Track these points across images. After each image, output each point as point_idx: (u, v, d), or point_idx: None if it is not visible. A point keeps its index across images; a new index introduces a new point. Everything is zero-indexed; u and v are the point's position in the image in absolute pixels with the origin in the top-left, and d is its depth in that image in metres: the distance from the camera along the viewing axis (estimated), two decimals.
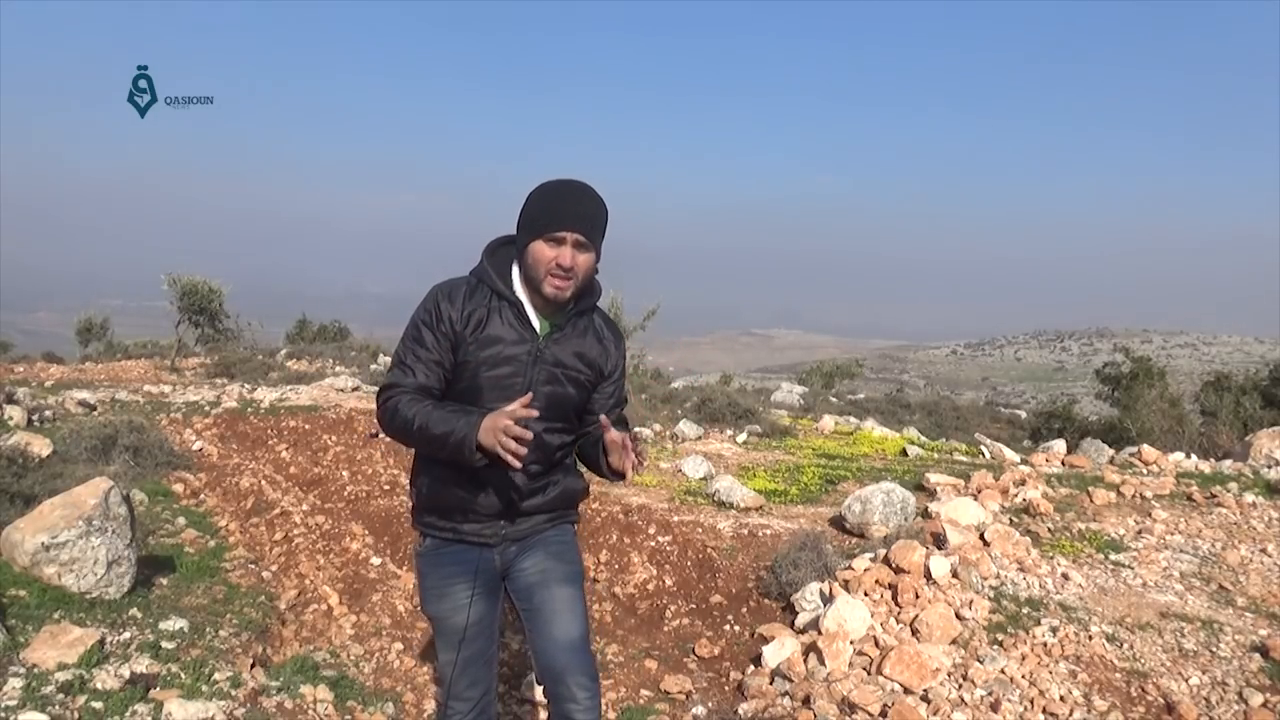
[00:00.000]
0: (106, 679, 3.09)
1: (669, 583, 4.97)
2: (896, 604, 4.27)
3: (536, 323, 2.31)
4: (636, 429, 9.37)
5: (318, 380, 13.04)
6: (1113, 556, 5.04)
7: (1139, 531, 5.48)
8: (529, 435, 2.09)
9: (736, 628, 4.55)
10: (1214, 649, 3.93)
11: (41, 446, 6.71)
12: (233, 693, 3.22)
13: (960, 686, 3.66)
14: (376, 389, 2.39)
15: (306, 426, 8.84)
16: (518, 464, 2.09)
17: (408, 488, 2.48)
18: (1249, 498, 6.06)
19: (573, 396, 2.36)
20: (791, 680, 3.84)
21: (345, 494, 6.48)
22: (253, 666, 3.60)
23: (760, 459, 8.23)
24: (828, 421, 10.93)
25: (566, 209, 2.23)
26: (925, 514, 5.60)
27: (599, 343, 2.40)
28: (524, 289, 2.31)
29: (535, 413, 2.13)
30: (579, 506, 2.56)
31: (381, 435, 8.25)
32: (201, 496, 6.67)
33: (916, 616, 4.08)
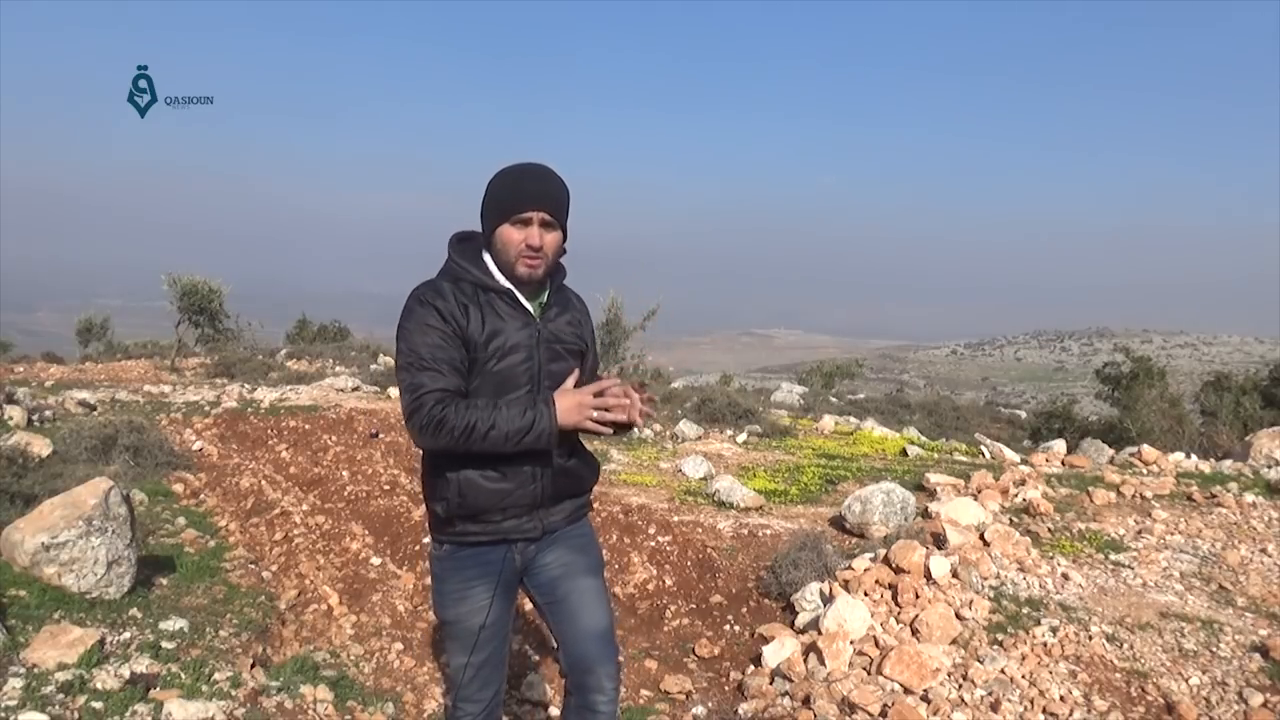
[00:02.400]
0: (106, 679, 3.09)
1: (669, 583, 4.97)
2: (896, 604, 4.27)
3: (530, 307, 2.35)
4: (637, 429, 9.37)
5: (318, 380, 13.04)
6: (1113, 556, 5.04)
7: (1139, 531, 5.48)
8: (625, 401, 2.22)
9: (736, 628, 4.55)
10: (1214, 649, 3.93)
11: (41, 446, 6.71)
12: (233, 693, 3.22)
13: (960, 686, 3.65)
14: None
15: (306, 426, 8.84)
16: (610, 431, 2.25)
17: (428, 501, 2.39)
18: (1249, 498, 6.05)
19: (573, 370, 2.40)
20: (791, 680, 3.84)
21: (345, 494, 6.48)
22: (253, 666, 3.60)
23: (760, 459, 8.23)
24: (828, 421, 10.93)
25: (530, 190, 2.27)
26: (925, 514, 5.60)
27: (580, 312, 2.50)
28: (503, 277, 2.34)
29: (617, 380, 2.26)
30: (591, 493, 2.59)
31: (382, 435, 8.28)
32: (201, 496, 6.68)
33: (916, 616, 4.08)
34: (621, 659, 4.14)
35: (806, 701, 3.61)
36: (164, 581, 4.40)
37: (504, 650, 2.47)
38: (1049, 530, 5.45)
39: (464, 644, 2.39)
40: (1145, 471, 7.08)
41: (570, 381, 2.27)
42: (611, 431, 2.27)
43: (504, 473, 2.29)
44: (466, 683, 2.41)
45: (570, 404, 2.21)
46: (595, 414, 2.20)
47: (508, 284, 2.31)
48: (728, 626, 4.57)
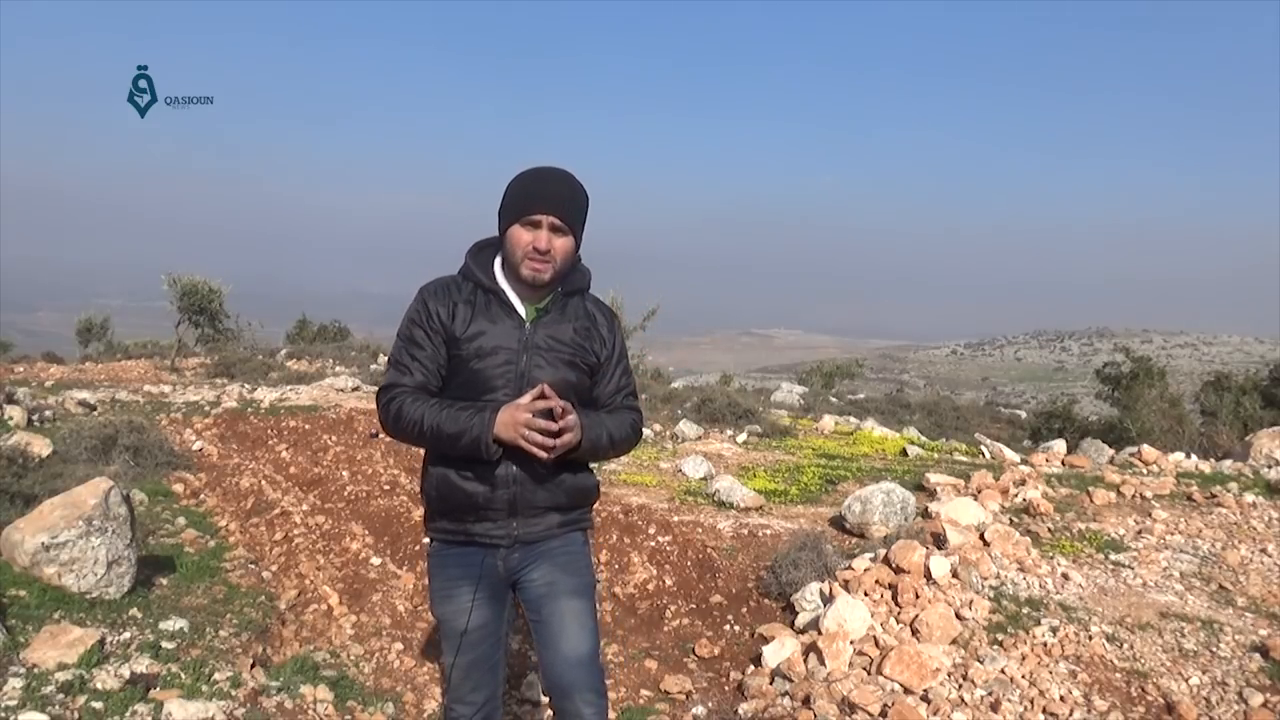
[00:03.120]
0: (106, 679, 3.09)
1: (669, 583, 4.97)
2: (896, 604, 4.27)
3: (522, 309, 2.32)
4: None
5: (318, 380, 13.05)
6: (1113, 556, 5.04)
7: (1139, 531, 5.48)
8: (553, 426, 2.15)
9: (736, 628, 4.55)
10: (1214, 649, 3.93)
11: (41, 446, 6.71)
12: (233, 693, 3.22)
13: (960, 686, 3.65)
14: (376, 390, 2.38)
15: (306, 426, 8.84)
16: (544, 454, 2.16)
17: (420, 493, 2.46)
18: (1249, 498, 6.05)
19: (572, 381, 2.33)
20: (791, 680, 3.84)
21: (345, 494, 6.48)
22: (253, 666, 3.60)
23: (760, 459, 8.23)
24: (828, 421, 10.93)
25: (542, 192, 2.26)
26: (925, 514, 5.60)
27: (591, 325, 2.39)
28: (507, 279, 2.33)
29: (553, 401, 2.17)
30: (591, 510, 2.52)
31: (382, 435, 8.27)
32: (201, 496, 6.68)
33: (916, 616, 4.08)
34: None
35: (806, 701, 3.61)
36: (164, 581, 4.40)
37: (496, 655, 2.45)
38: (1049, 530, 5.45)
39: (452, 643, 2.39)
40: (1145, 471, 7.08)
41: (527, 396, 2.17)
42: (546, 456, 2.16)
43: (477, 474, 2.28)
44: (457, 683, 2.41)
45: (507, 418, 2.15)
46: (527, 433, 2.13)
47: (502, 284, 2.32)
48: (728, 626, 4.57)
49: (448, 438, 2.21)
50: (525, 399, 2.17)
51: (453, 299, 2.31)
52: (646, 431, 9.42)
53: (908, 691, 3.62)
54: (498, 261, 2.35)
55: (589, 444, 2.26)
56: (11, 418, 8.24)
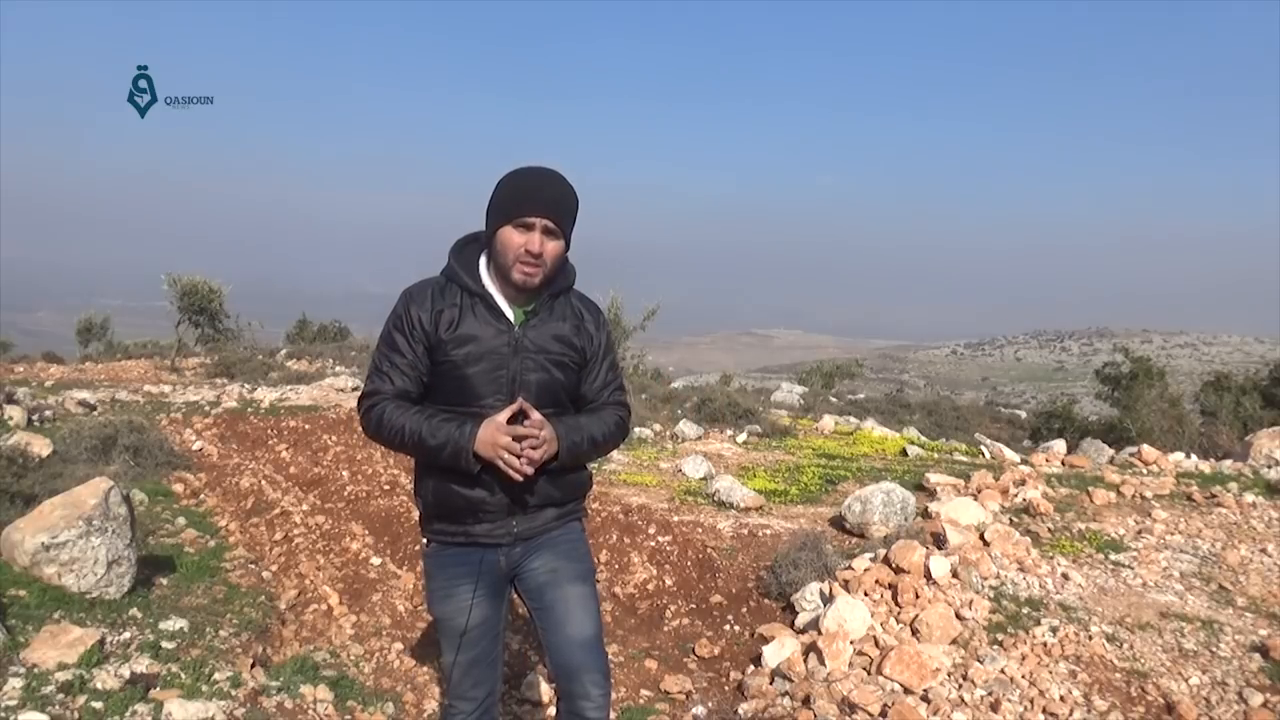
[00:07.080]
0: (106, 679, 3.09)
1: (669, 583, 4.97)
2: (896, 604, 4.27)
3: (510, 313, 2.31)
4: (638, 429, 9.35)
5: (318, 380, 13.05)
6: (1113, 556, 5.04)
7: (1139, 531, 5.48)
8: (533, 454, 2.17)
9: (736, 628, 4.55)
10: (1214, 649, 3.93)
11: (41, 446, 6.71)
12: (233, 693, 3.22)
13: (960, 686, 3.66)
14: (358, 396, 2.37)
15: (306, 426, 8.84)
16: (519, 477, 2.18)
17: (413, 496, 2.47)
18: (1249, 498, 6.05)
19: (561, 381, 2.34)
20: (791, 680, 3.84)
21: (345, 494, 6.48)
22: (253, 666, 3.60)
23: (760, 459, 8.23)
24: (828, 421, 10.93)
25: (536, 195, 2.24)
26: (925, 514, 5.60)
27: (578, 323, 2.39)
28: (493, 281, 2.31)
29: (536, 430, 2.17)
30: (585, 500, 2.54)
31: None
32: (201, 496, 6.68)
33: (916, 616, 4.08)
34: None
35: (806, 701, 3.61)
36: (164, 581, 4.40)
37: (495, 650, 2.47)
38: (1049, 530, 5.45)
39: (452, 642, 2.40)
40: (1145, 471, 7.08)
41: (504, 415, 2.18)
42: (521, 479, 2.19)
43: (472, 479, 2.28)
44: (458, 681, 2.42)
45: (486, 437, 2.16)
46: (506, 456, 2.15)
47: (490, 288, 2.30)
48: (728, 626, 4.57)
49: (430, 449, 2.21)
50: (502, 416, 2.18)
51: (436, 305, 2.28)
52: (646, 431, 9.41)
53: (908, 691, 3.62)
54: (483, 262, 2.33)
55: (568, 453, 2.28)
56: (11, 418, 8.24)
